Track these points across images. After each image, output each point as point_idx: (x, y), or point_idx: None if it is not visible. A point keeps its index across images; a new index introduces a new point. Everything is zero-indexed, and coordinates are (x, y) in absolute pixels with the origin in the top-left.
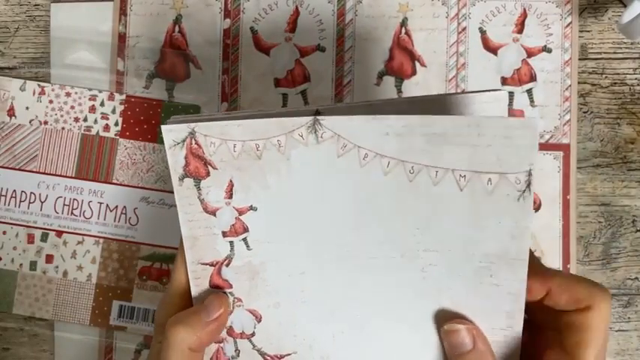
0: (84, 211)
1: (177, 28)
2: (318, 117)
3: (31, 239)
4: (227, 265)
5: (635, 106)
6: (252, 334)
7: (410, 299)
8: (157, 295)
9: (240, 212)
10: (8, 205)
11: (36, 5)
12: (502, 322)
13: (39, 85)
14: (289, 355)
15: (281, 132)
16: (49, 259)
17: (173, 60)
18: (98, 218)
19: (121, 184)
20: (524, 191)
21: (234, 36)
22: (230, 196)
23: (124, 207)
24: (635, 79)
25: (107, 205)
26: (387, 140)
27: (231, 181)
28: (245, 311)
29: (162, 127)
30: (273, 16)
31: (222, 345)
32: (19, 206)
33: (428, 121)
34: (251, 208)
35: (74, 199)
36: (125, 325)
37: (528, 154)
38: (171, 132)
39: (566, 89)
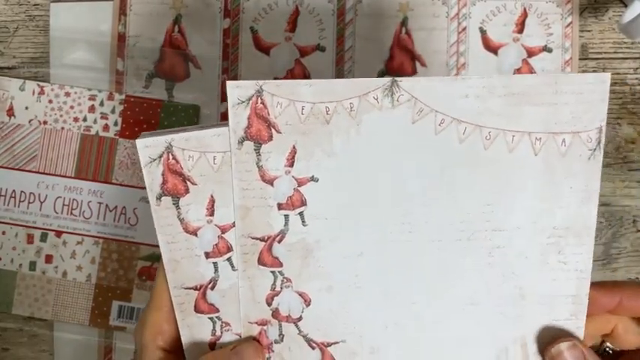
0: (83, 211)
1: (176, 28)
2: (397, 78)
3: (30, 239)
4: (279, 242)
5: (636, 106)
6: (299, 319)
7: (472, 289)
8: None
9: (300, 183)
10: (7, 205)
11: (35, 5)
12: (567, 309)
13: (38, 84)
14: (337, 343)
15: (355, 94)
16: (49, 259)
17: (173, 60)
18: (98, 218)
19: (120, 184)
20: (594, 149)
21: (233, 36)
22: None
23: (124, 207)
24: (636, 79)
25: (107, 205)
26: (466, 103)
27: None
28: (294, 293)
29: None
30: (273, 16)
31: (265, 328)
32: (19, 206)
33: (509, 80)
34: (312, 178)
35: (74, 199)
36: (125, 325)
37: (600, 110)
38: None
39: None
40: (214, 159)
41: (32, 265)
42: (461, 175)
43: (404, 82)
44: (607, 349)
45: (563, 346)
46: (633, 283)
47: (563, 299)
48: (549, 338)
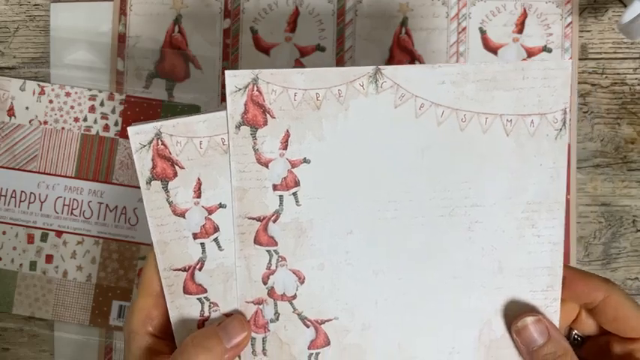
0: (84, 211)
1: (177, 28)
2: (380, 67)
3: (30, 239)
4: (274, 222)
5: (636, 106)
6: (294, 297)
7: (454, 263)
8: None
9: (293, 165)
10: (8, 205)
11: (36, 5)
12: (543, 281)
13: (39, 85)
14: (330, 320)
15: (343, 81)
16: (49, 259)
17: (173, 60)
18: (98, 218)
19: (120, 184)
20: (560, 129)
21: (234, 36)
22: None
23: (124, 207)
24: (636, 79)
25: (107, 205)
26: (443, 89)
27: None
28: (288, 271)
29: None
30: (273, 16)
31: (261, 307)
32: (19, 206)
33: (479, 68)
34: (304, 160)
35: (74, 199)
36: None
37: (563, 93)
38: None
39: None
40: (200, 144)
41: (33, 265)
42: (440, 155)
43: (387, 69)
44: (576, 336)
45: (529, 320)
46: (576, 269)
47: (539, 271)
48: (517, 313)
